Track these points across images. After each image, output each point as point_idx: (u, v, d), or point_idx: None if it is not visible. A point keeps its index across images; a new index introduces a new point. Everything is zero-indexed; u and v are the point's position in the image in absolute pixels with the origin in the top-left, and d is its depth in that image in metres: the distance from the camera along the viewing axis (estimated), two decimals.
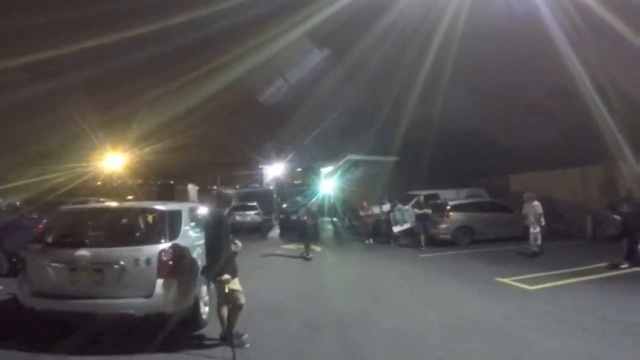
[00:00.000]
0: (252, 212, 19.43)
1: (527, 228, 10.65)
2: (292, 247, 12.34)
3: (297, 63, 21.30)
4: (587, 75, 14.45)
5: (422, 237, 11.43)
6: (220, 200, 4.20)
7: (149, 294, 3.90)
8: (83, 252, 3.96)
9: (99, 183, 24.49)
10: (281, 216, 21.45)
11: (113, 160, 23.00)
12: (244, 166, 34.22)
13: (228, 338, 4.11)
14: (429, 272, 8.01)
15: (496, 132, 22.35)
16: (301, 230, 11.54)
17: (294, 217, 12.46)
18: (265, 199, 23.12)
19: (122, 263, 3.91)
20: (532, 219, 9.30)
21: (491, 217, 12.22)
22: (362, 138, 22.87)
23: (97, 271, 3.94)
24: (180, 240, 4.40)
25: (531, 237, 9.29)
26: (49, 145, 20.34)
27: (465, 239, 11.70)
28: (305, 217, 11.36)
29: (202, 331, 4.57)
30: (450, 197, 14.24)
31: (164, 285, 3.94)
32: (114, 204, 4.95)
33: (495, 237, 11.84)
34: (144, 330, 4.27)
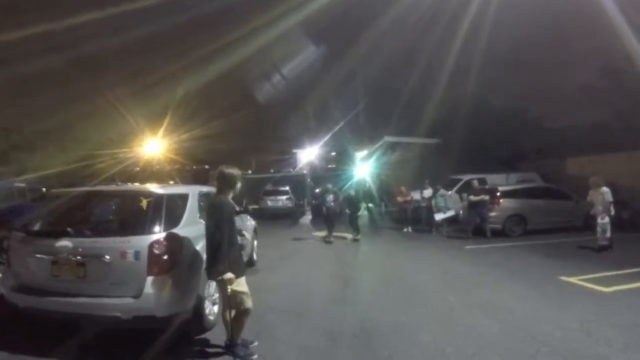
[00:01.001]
0: (284, 197, 18.96)
1: (588, 218, 9.36)
2: (323, 234, 11.58)
3: (329, 46, 20.33)
4: None
5: (483, 228, 10.16)
6: (223, 182, 3.39)
7: (138, 294, 3.26)
8: (64, 243, 3.37)
9: (137, 169, 25.10)
10: (314, 201, 20.81)
11: (152, 146, 23.45)
12: (278, 151, 33.86)
13: (233, 347, 3.44)
14: (478, 268, 6.92)
15: (544, 112, 20.50)
16: (328, 218, 10.85)
17: (323, 207, 11.60)
18: (298, 183, 22.61)
19: (106, 256, 3.27)
20: (600, 207, 7.94)
21: (547, 204, 10.84)
22: (400, 120, 21.62)
23: (79, 265, 3.34)
24: (181, 230, 3.71)
25: (599, 229, 7.94)
26: (89, 131, 20.84)
27: (517, 229, 10.45)
28: (333, 204, 10.73)
29: (207, 335, 3.92)
30: (500, 182, 12.88)
31: (156, 283, 3.28)
32: (107, 186, 4.34)
33: (551, 228, 10.55)
34: (136, 333, 3.69)
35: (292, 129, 30.00)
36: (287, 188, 19.58)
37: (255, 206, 17.65)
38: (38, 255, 3.43)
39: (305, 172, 27.56)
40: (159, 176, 23.62)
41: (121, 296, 3.29)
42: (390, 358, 3.36)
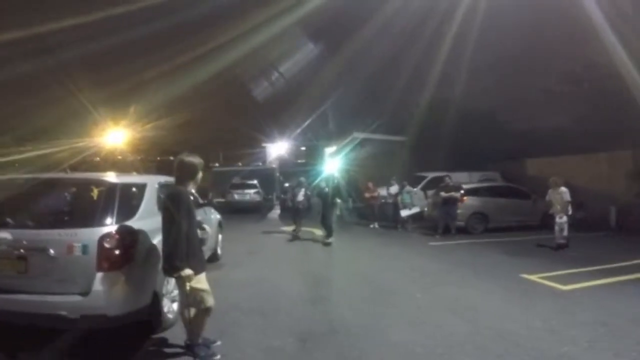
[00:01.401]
0: (252, 191, 18.63)
1: (545, 216, 9.72)
2: (291, 228, 11.43)
3: (304, 41, 20.21)
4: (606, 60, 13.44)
5: (450, 225, 10.28)
6: (182, 172, 3.13)
7: (86, 291, 2.98)
8: (3, 235, 3.04)
9: (98, 159, 24.26)
10: (282, 196, 20.60)
11: (114, 136, 22.75)
12: (247, 144, 33.39)
13: (193, 347, 3.23)
14: (444, 265, 7.00)
15: (511, 115, 21.28)
16: (296, 212, 10.80)
17: (289, 201, 11.51)
18: (266, 177, 22.28)
19: (51, 250, 2.97)
20: (558, 207, 8.24)
21: (507, 203, 11.19)
22: (370, 117, 21.75)
23: (20, 259, 3.02)
24: (137, 222, 3.44)
25: (556, 228, 8.25)
26: (48, 121, 19.94)
27: (479, 227, 10.72)
28: (302, 198, 10.61)
29: (165, 334, 3.69)
30: (463, 180, 13.20)
31: (106, 280, 3.01)
32: (55, 174, 3.99)
33: (510, 226, 10.90)
34: (88, 333, 3.40)
35: (262, 122, 29.59)
36: (255, 182, 19.24)
37: (222, 199, 17.22)
38: None
39: (274, 166, 27.26)
40: (121, 167, 22.83)
41: (67, 293, 3.00)
42: (360, 359, 3.26)
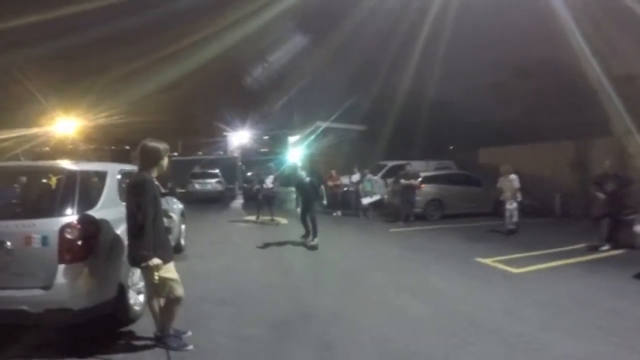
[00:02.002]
0: (214, 180, 18.27)
1: (497, 203, 10.29)
2: (254, 218, 11.39)
3: (267, 32, 19.91)
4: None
5: (408, 212, 10.57)
6: (146, 157, 3.04)
7: (48, 285, 2.87)
8: None
9: (47, 148, 23.03)
10: (245, 185, 20.40)
11: (65, 125, 21.55)
12: (209, 133, 32.56)
13: (163, 338, 3.21)
14: (405, 251, 7.30)
15: (466, 107, 22.26)
16: (265, 200, 10.92)
17: (257, 187, 11.48)
18: (228, 167, 21.92)
19: (7, 243, 2.83)
20: (508, 193, 8.79)
21: (462, 190, 11.76)
22: (333, 106, 21.94)
23: None
24: (98, 212, 3.33)
25: (507, 214, 8.81)
26: None
27: (436, 214, 11.21)
28: (272, 185, 10.64)
29: (132, 327, 3.62)
30: (420, 168, 13.66)
31: (69, 272, 2.90)
32: (9, 162, 3.77)
33: (465, 213, 11.44)
34: (49, 328, 3.30)
35: (224, 111, 28.93)
36: (217, 171, 18.89)
37: (182, 190, 16.80)
38: None
39: (236, 155, 26.83)
40: (72, 156, 21.76)
41: (28, 287, 2.87)
42: (332, 344, 3.36)
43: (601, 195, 7.25)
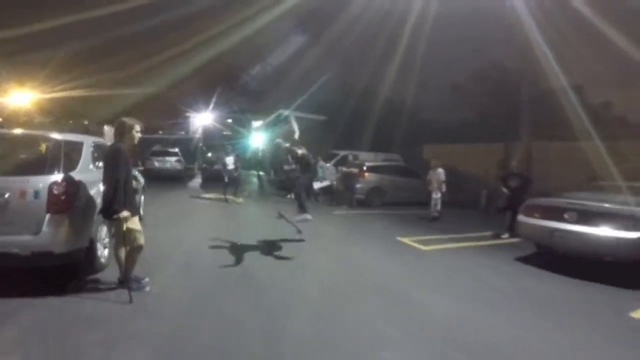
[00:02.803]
0: (173, 159, 18.69)
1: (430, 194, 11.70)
2: (211, 196, 12.17)
3: (240, 19, 20.31)
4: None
5: (350, 198, 11.82)
6: (121, 130, 3.90)
7: (37, 231, 3.66)
8: None
9: (0, 119, 22.43)
10: (204, 165, 20.89)
11: (18, 97, 21.25)
12: (172, 114, 32.29)
13: (126, 282, 4.02)
14: (340, 230, 8.49)
15: (419, 106, 23.85)
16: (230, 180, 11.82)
17: (216, 167, 12.26)
18: (189, 147, 22.28)
19: (5, 195, 3.59)
20: (435, 185, 10.13)
21: (401, 181, 13.01)
22: (296, 95, 22.75)
23: None
24: (77, 174, 4.12)
25: (432, 203, 10.16)
26: None
27: (377, 200, 12.43)
28: (233, 167, 11.38)
29: (98, 275, 4.44)
30: (369, 159, 14.84)
31: (54, 221, 3.70)
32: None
33: (403, 201, 12.70)
34: (34, 274, 4.09)
35: (186, 93, 28.85)
36: (176, 150, 19.27)
37: (141, 167, 17.12)
38: None
39: (197, 136, 27.03)
40: (26, 128, 21.23)
41: (19, 234, 3.63)
42: (261, 292, 4.37)
43: (505, 191, 8.73)
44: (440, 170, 10.09)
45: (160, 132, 31.05)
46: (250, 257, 5.77)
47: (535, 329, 3.77)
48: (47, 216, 3.68)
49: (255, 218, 9.80)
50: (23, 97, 21.18)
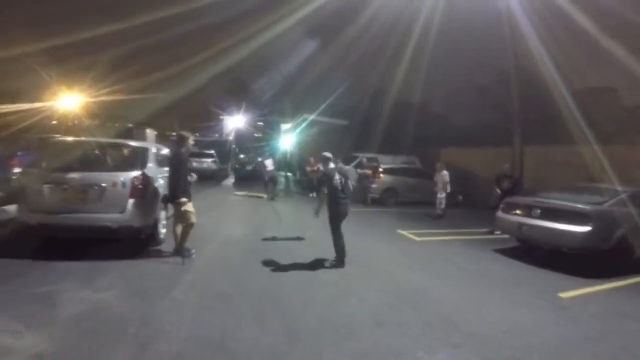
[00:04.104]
0: (209, 160, 20.58)
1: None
2: (243, 194, 13.83)
3: (267, 31, 21.87)
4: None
5: (365, 197, 13.14)
6: (180, 140, 5.53)
7: (123, 211, 5.27)
8: (73, 175, 5.23)
9: (55, 122, 24.53)
10: (237, 166, 22.73)
11: (68, 101, 23.15)
12: (206, 117, 34.62)
13: (180, 251, 5.57)
14: (350, 223, 9.69)
15: (441, 109, 24.65)
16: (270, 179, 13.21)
17: (248, 168, 13.91)
18: (223, 149, 24.21)
19: (104, 185, 5.23)
20: (440, 186, 11.30)
21: (415, 182, 14.17)
22: (322, 100, 24.22)
23: (83, 191, 5.23)
24: (147, 171, 5.71)
25: (437, 202, 11.33)
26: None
27: (391, 200, 13.68)
28: (272, 168, 12.92)
29: (159, 247, 6.02)
30: (387, 161, 15.94)
31: (134, 204, 5.32)
32: (97, 138, 6.19)
33: (416, 200, 13.77)
34: (114, 245, 5.67)
35: (221, 96, 30.97)
36: (212, 152, 21.17)
37: None
38: (50, 185, 5.19)
39: (231, 138, 29.09)
40: (76, 132, 23.33)
41: (112, 212, 5.25)
42: (277, 261, 5.83)
43: (498, 191, 9.79)
44: (445, 173, 11.23)
45: (197, 134, 33.43)
46: (272, 239, 7.33)
47: (475, 298, 4.95)
48: (130, 200, 5.30)
49: (281, 212, 11.30)
50: (72, 100, 23.00)
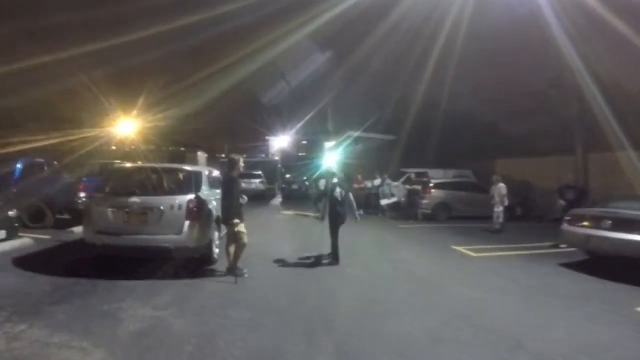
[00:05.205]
0: (257, 181, 21.10)
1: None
2: (290, 213, 13.97)
3: (309, 48, 22.34)
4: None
5: (415, 212, 12.90)
6: (231, 164, 5.72)
7: (180, 232, 5.48)
8: (134, 199, 5.55)
9: (114, 148, 26.28)
10: (284, 186, 23.11)
11: (125, 126, 24.37)
12: (252, 138, 35.72)
13: (233, 270, 5.66)
14: (402, 240, 9.56)
15: (492, 118, 23.61)
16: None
17: (294, 187, 14.08)
18: (269, 169, 24.77)
19: (162, 208, 5.49)
20: (497, 199, 10.72)
21: (468, 196, 13.59)
22: (365, 116, 24.16)
23: (143, 214, 5.52)
24: (201, 194, 5.93)
25: (494, 216, 10.74)
26: (65, 111, 21.81)
27: (443, 215, 13.18)
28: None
29: (213, 267, 6.16)
30: (438, 176, 15.47)
31: (190, 226, 5.51)
32: (154, 164, 6.56)
33: (470, 215, 13.16)
34: (172, 265, 5.89)
35: (266, 117, 31.93)
36: (260, 172, 21.73)
37: None
38: (114, 209, 5.55)
39: (277, 158, 29.75)
40: (133, 157, 24.63)
41: (170, 234, 5.47)
42: (327, 281, 5.80)
43: (562, 203, 9.11)
44: (502, 185, 10.67)
45: (245, 155, 34.54)
46: (318, 256, 7.26)
47: (540, 314, 4.61)
48: (186, 222, 5.51)
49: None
50: (128, 126, 24.10)
